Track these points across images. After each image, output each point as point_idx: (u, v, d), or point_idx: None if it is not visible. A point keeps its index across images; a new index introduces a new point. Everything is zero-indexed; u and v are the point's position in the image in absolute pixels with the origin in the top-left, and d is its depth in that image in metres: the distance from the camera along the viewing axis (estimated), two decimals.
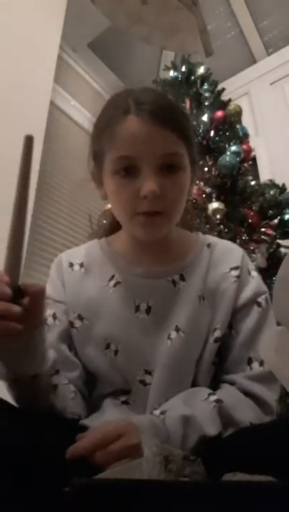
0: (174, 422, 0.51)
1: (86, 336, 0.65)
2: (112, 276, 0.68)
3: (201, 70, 2.12)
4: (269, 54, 2.91)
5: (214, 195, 1.67)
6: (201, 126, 1.87)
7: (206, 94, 2.01)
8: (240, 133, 1.90)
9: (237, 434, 0.53)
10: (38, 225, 1.96)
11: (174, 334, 0.62)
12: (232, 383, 0.62)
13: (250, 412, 0.57)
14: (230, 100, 2.04)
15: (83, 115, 2.57)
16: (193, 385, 0.63)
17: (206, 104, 1.98)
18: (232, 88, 2.67)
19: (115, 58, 2.84)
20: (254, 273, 0.70)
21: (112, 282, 0.67)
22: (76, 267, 0.71)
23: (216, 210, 1.60)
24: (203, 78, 2.10)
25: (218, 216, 1.59)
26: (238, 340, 0.64)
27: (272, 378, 0.61)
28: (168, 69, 2.21)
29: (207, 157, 1.77)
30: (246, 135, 1.95)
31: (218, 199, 1.65)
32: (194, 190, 1.67)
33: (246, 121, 2.17)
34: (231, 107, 1.98)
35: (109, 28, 2.47)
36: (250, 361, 0.62)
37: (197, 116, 1.93)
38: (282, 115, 2.65)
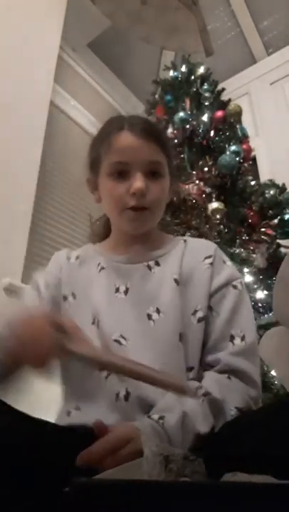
0: (174, 428, 0.53)
1: (76, 310, 0.74)
2: (99, 264, 0.79)
3: (201, 70, 2.13)
4: (269, 54, 2.92)
5: (214, 195, 1.67)
6: (201, 126, 1.87)
7: (206, 94, 2.01)
8: (240, 133, 1.91)
9: (238, 433, 0.53)
10: (38, 225, 1.96)
11: (155, 315, 0.69)
12: (216, 362, 0.66)
13: (237, 397, 0.60)
14: (230, 100, 2.05)
15: (83, 115, 2.57)
16: (187, 364, 0.67)
17: (206, 104, 1.98)
18: (232, 88, 2.67)
19: (115, 58, 2.84)
20: (228, 262, 0.78)
21: (98, 268, 0.78)
22: (72, 260, 0.84)
23: (215, 210, 1.60)
24: (203, 78, 2.10)
25: (218, 216, 1.59)
26: (218, 320, 0.70)
27: (254, 351, 0.68)
28: (168, 69, 2.21)
29: (207, 157, 1.77)
30: (246, 135, 1.95)
31: (218, 199, 1.65)
32: (195, 190, 1.67)
33: (246, 121, 2.17)
34: (231, 107, 1.98)
35: (109, 28, 2.47)
36: (232, 338, 0.67)
37: (197, 116, 1.93)
38: (282, 115, 2.65)
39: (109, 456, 0.47)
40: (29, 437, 0.45)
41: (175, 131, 1.93)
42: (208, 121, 1.89)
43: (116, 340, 0.67)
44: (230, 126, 1.90)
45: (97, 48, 2.77)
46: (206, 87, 2.05)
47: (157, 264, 0.76)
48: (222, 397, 0.59)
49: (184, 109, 1.97)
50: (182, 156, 1.86)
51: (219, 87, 2.08)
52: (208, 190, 1.67)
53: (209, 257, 0.76)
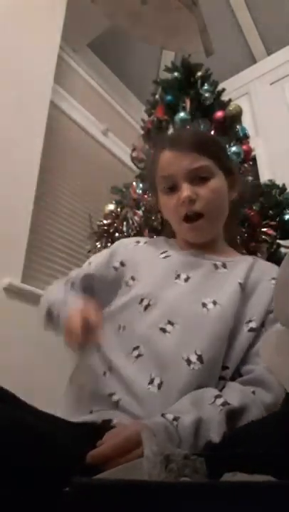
0: (187, 430, 0.53)
1: (126, 289, 0.78)
2: (165, 251, 0.82)
3: (201, 70, 2.12)
4: (269, 54, 2.91)
5: None
6: (202, 126, 1.87)
7: (206, 95, 2.01)
8: (241, 133, 1.90)
9: (239, 434, 0.53)
10: (38, 225, 1.96)
11: (210, 305, 0.70)
12: (249, 371, 0.67)
13: (255, 410, 0.59)
14: (230, 100, 2.04)
15: (83, 115, 2.57)
16: (224, 363, 0.68)
17: (206, 104, 1.98)
18: (232, 88, 2.67)
19: (115, 58, 2.84)
20: None
21: (163, 255, 0.81)
22: (141, 243, 0.89)
23: None
24: (203, 78, 2.09)
25: None
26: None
27: None
28: (168, 69, 2.21)
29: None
30: (246, 135, 1.94)
31: None
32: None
33: (246, 121, 2.18)
34: (231, 107, 1.98)
35: (109, 28, 2.47)
36: None
37: (197, 116, 1.93)
38: (282, 115, 2.65)
39: (120, 456, 0.47)
40: (30, 437, 0.45)
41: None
42: (208, 121, 1.89)
43: (161, 329, 0.68)
44: (230, 126, 1.90)
45: (97, 48, 2.77)
46: (206, 87, 2.05)
47: (224, 266, 0.79)
48: (241, 408, 0.58)
49: (184, 110, 1.97)
50: None
51: (219, 88, 2.08)
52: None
53: (274, 278, 0.77)
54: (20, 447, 0.42)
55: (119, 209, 1.85)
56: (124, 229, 1.78)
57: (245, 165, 1.84)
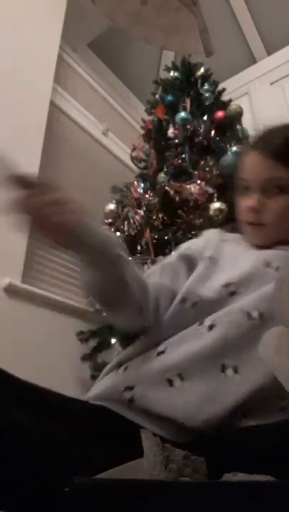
0: None
1: (211, 269, 0.72)
2: (249, 243, 0.79)
3: (201, 70, 2.13)
4: (269, 54, 2.92)
5: (216, 196, 1.67)
6: (202, 126, 1.87)
7: (207, 95, 2.02)
8: (241, 133, 1.91)
9: (242, 434, 0.53)
10: None
11: None
12: None
13: None
14: (230, 100, 2.05)
15: (83, 115, 2.58)
16: None
17: (207, 104, 1.98)
18: (232, 88, 2.67)
19: (115, 58, 2.84)
20: None
21: (248, 246, 0.78)
22: (224, 237, 0.84)
23: (217, 210, 1.60)
24: (204, 78, 2.10)
25: (219, 216, 1.59)
26: None
27: None
28: (168, 69, 2.21)
29: (208, 157, 1.77)
30: (247, 135, 1.95)
31: (219, 199, 1.65)
32: (196, 190, 1.67)
33: (246, 121, 2.17)
34: (232, 107, 1.98)
35: (109, 28, 2.47)
36: None
37: (197, 116, 1.93)
38: (282, 115, 2.65)
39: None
40: (32, 436, 0.44)
41: (176, 131, 1.93)
42: (208, 121, 1.89)
43: (248, 313, 0.60)
44: (230, 126, 1.90)
45: (97, 48, 2.77)
46: (206, 87, 2.05)
47: None
48: None
49: (184, 110, 1.98)
50: (183, 156, 1.86)
51: (219, 87, 2.08)
52: (209, 190, 1.67)
53: None
54: (23, 445, 0.42)
55: (119, 209, 1.85)
56: (125, 228, 1.78)
57: None
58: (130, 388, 0.56)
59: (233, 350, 0.57)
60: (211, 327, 0.59)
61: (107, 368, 0.68)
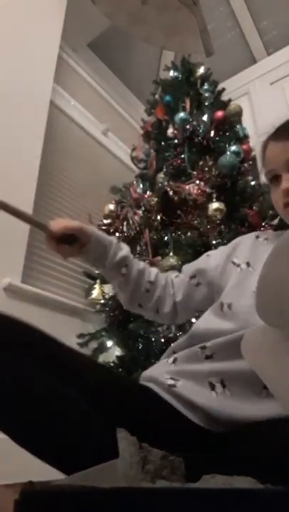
0: None
1: (245, 276, 0.75)
2: None
3: (201, 70, 2.13)
4: (269, 54, 2.91)
5: (214, 195, 1.67)
6: (202, 126, 1.87)
7: (206, 94, 2.01)
8: (241, 133, 1.91)
9: (220, 435, 0.52)
10: None
11: None
12: None
13: None
14: (230, 100, 2.04)
15: (83, 115, 2.57)
16: None
17: (206, 104, 1.98)
18: (232, 88, 2.67)
19: (115, 58, 2.84)
20: None
21: None
22: (261, 239, 0.86)
23: (216, 210, 1.59)
24: (204, 78, 2.10)
25: (218, 216, 1.59)
26: None
27: None
28: (168, 69, 2.21)
29: (207, 157, 1.77)
30: (246, 135, 1.95)
31: (218, 199, 1.65)
32: (195, 190, 1.67)
33: (246, 121, 2.17)
34: (231, 107, 1.98)
35: (109, 28, 2.47)
36: None
37: (197, 116, 1.93)
38: (282, 115, 2.65)
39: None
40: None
41: (175, 132, 1.93)
42: (208, 121, 1.89)
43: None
44: (230, 126, 1.90)
45: (97, 48, 2.77)
46: (206, 87, 2.05)
47: None
48: None
49: (184, 110, 1.97)
50: (182, 156, 1.86)
51: (219, 87, 2.08)
52: (208, 190, 1.67)
53: None
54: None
55: (119, 209, 1.85)
56: (125, 229, 1.78)
57: (245, 165, 1.84)
58: (175, 379, 0.60)
59: None
60: None
61: (165, 353, 0.73)
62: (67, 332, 1.84)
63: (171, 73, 2.16)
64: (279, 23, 2.73)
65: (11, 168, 1.76)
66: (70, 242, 0.81)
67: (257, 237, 0.87)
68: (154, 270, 0.89)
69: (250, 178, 1.80)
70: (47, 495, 0.28)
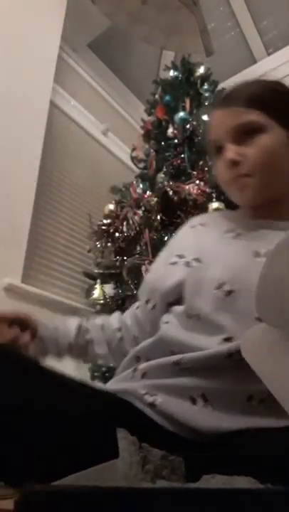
0: None
1: (200, 275, 0.64)
2: (233, 229, 0.71)
3: (201, 70, 2.12)
4: (269, 54, 2.91)
5: (214, 195, 1.67)
6: (201, 126, 1.87)
7: (206, 94, 2.01)
8: None
9: (221, 435, 0.52)
10: (37, 225, 1.96)
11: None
12: None
13: None
14: None
15: (83, 115, 2.57)
16: None
17: (206, 104, 1.98)
18: None
19: (115, 58, 2.84)
20: None
21: (232, 234, 0.70)
22: (198, 226, 0.77)
23: (216, 210, 1.59)
24: (203, 78, 2.10)
25: None
26: None
27: None
28: (168, 69, 2.21)
29: (207, 157, 1.77)
30: None
31: (218, 199, 1.65)
32: (195, 190, 1.67)
33: None
34: None
35: (109, 28, 2.47)
36: None
37: (197, 116, 1.93)
38: None
39: None
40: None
41: (175, 131, 1.93)
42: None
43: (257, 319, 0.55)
44: None
45: (97, 48, 2.77)
46: (206, 87, 2.05)
47: None
48: None
49: (184, 109, 1.97)
50: (182, 156, 1.86)
51: (219, 87, 2.08)
52: (208, 190, 1.67)
53: None
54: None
55: (119, 209, 1.85)
56: (125, 229, 1.78)
57: None
58: (152, 394, 0.55)
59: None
60: (230, 355, 0.53)
61: (125, 360, 0.66)
62: None
63: (171, 73, 2.16)
64: (279, 23, 2.73)
65: (11, 168, 1.76)
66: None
67: (192, 226, 0.78)
68: (114, 316, 0.82)
69: None
70: (47, 495, 0.28)
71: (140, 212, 1.79)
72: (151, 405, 0.54)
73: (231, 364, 0.53)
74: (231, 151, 0.66)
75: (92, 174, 2.48)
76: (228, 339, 0.55)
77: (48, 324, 0.76)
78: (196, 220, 0.79)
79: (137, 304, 0.79)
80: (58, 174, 2.24)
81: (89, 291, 1.92)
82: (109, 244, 1.82)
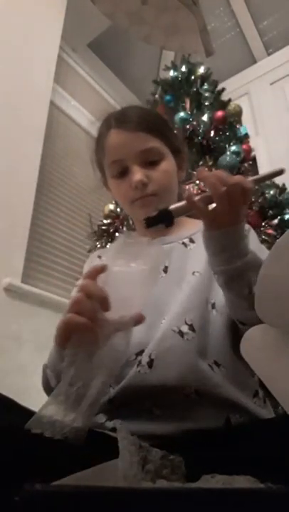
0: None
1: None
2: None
3: (201, 70, 2.12)
4: (269, 54, 2.92)
5: None
6: (201, 126, 1.87)
7: (206, 94, 2.01)
8: (241, 133, 1.90)
9: (221, 434, 0.52)
10: (37, 225, 1.96)
11: (189, 278, 0.69)
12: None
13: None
14: (230, 100, 2.04)
15: (83, 115, 2.58)
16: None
17: (206, 104, 1.98)
18: (232, 88, 2.67)
19: (115, 58, 2.84)
20: (261, 245, 0.78)
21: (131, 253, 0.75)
22: (103, 258, 0.84)
23: None
24: (203, 78, 2.09)
25: None
26: None
27: None
28: (168, 69, 2.21)
29: (207, 157, 1.77)
30: (246, 135, 1.94)
31: None
32: (195, 190, 1.67)
33: (246, 121, 2.17)
34: (231, 107, 1.98)
35: (109, 28, 2.47)
36: None
37: (197, 116, 1.93)
38: (282, 115, 2.65)
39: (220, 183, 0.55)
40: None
41: (175, 131, 1.93)
42: (208, 121, 1.88)
43: (175, 331, 0.62)
44: (230, 126, 1.90)
45: (97, 48, 2.77)
46: (206, 87, 2.05)
47: (192, 241, 0.77)
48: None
49: (184, 109, 1.97)
50: None
51: (219, 87, 2.08)
52: (208, 190, 1.67)
53: None
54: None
55: (119, 209, 1.85)
56: (124, 229, 1.78)
57: (245, 164, 1.84)
58: (109, 419, 0.58)
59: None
60: (151, 362, 0.60)
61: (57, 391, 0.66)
62: None
63: (171, 73, 2.16)
64: (279, 23, 2.74)
65: (11, 168, 1.76)
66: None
67: (99, 257, 0.84)
68: None
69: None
70: (47, 495, 0.28)
71: None
72: (113, 430, 0.56)
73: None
74: (140, 174, 0.72)
75: (92, 174, 2.48)
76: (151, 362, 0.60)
77: None
78: (103, 252, 0.86)
79: None
80: (58, 174, 2.24)
81: None
82: (109, 244, 1.82)
